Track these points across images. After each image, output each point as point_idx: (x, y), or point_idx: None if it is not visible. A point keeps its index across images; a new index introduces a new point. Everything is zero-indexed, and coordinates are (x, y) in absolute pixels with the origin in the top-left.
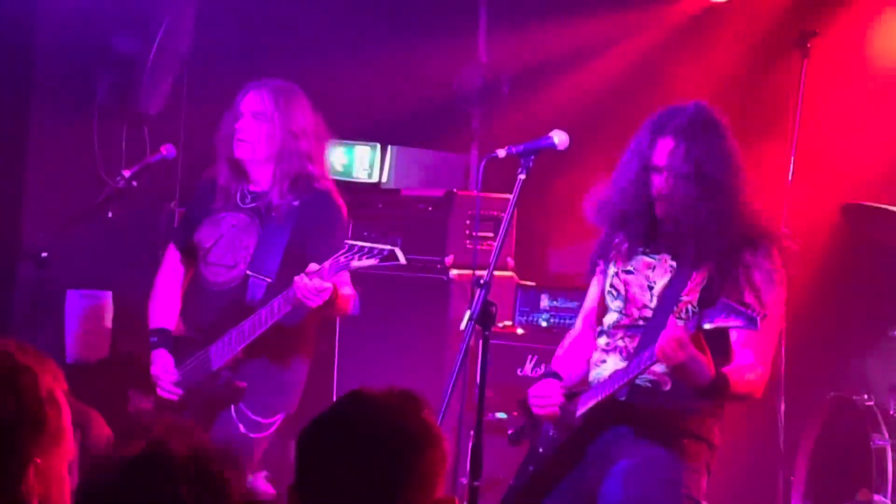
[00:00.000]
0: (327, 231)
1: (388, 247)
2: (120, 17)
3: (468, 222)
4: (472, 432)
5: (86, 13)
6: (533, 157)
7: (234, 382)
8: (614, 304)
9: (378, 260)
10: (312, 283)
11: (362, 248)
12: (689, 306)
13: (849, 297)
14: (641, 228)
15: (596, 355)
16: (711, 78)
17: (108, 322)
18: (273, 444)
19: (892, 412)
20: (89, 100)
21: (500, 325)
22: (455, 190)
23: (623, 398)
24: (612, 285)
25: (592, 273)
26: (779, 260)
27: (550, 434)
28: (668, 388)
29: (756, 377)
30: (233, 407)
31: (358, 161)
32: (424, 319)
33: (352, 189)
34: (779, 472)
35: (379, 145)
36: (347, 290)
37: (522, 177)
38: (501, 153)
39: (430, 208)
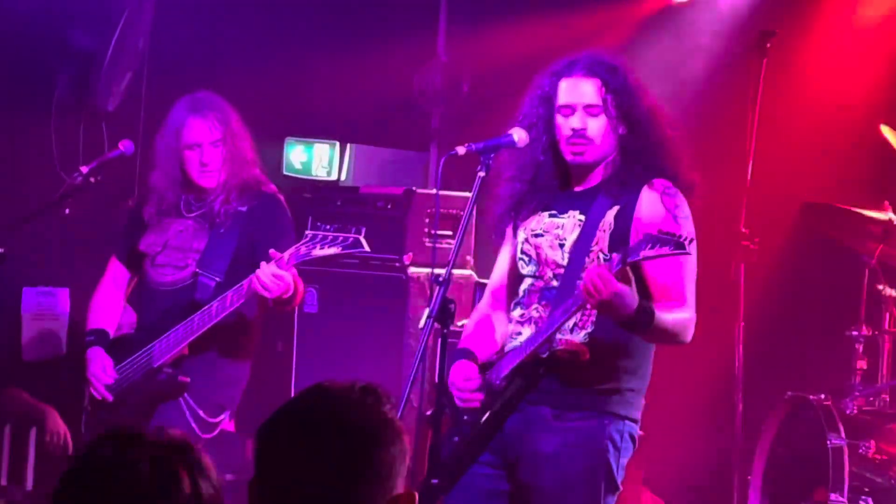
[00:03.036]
0: (278, 233)
1: (353, 235)
2: (78, 12)
3: (427, 220)
4: (430, 431)
5: (43, 8)
6: (493, 154)
7: (177, 378)
8: (527, 269)
9: (342, 248)
10: (270, 269)
11: (325, 236)
12: (601, 254)
13: (807, 297)
14: (552, 180)
15: (510, 327)
16: (672, 78)
17: (65, 319)
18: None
19: (848, 412)
20: (47, 95)
21: (459, 323)
22: (414, 188)
23: (545, 355)
24: (523, 251)
25: (501, 238)
26: (685, 199)
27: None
28: (586, 357)
29: (683, 317)
30: (185, 407)
31: (317, 159)
32: (383, 317)
33: (311, 187)
34: (735, 471)
35: (338, 143)
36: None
37: (482, 174)
38: (461, 150)
39: (388, 206)
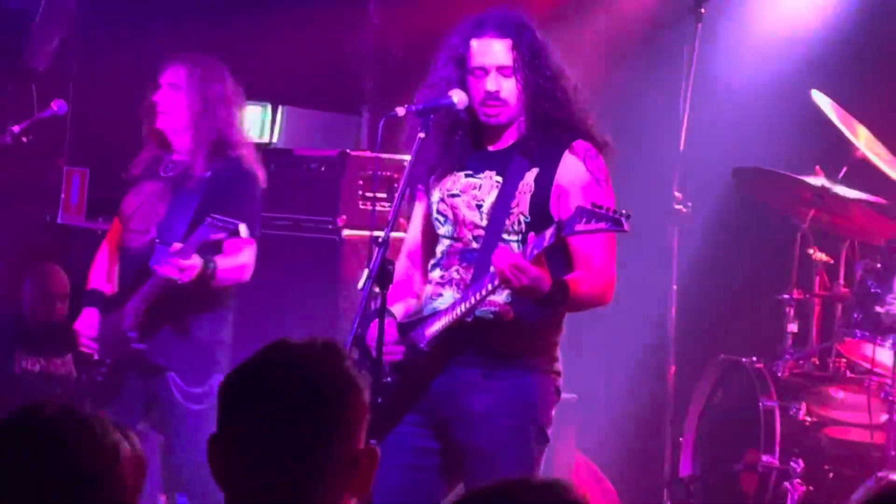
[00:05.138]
0: (238, 199)
1: (234, 221)
2: None
3: (361, 183)
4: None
5: None
6: (432, 115)
7: (131, 345)
8: (444, 230)
9: (226, 234)
10: (173, 263)
11: (215, 219)
12: (521, 216)
13: (739, 261)
14: (465, 140)
15: (430, 289)
16: (606, 44)
17: None
18: None
19: (780, 374)
20: None
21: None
22: (348, 150)
23: (470, 319)
24: (438, 211)
25: (412, 200)
26: (603, 158)
27: (393, 367)
28: (511, 318)
29: (600, 284)
30: (171, 382)
31: (249, 121)
32: (317, 280)
33: None
34: (668, 434)
35: (270, 105)
36: (243, 257)
37: (422, 136)
38: (401, 111)
39: (322, 168)
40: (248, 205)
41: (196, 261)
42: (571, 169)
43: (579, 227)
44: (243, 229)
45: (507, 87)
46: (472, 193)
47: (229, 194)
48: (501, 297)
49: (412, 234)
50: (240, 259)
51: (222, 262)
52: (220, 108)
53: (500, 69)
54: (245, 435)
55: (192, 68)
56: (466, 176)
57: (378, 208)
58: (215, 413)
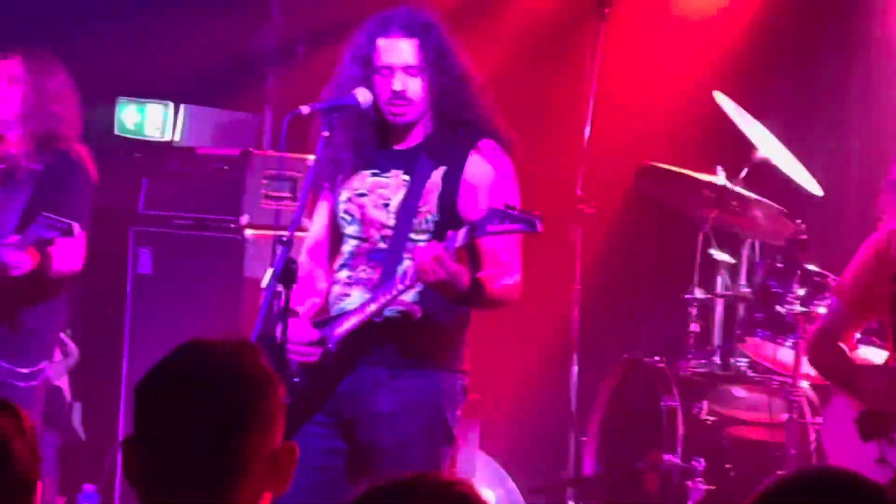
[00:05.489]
0: (69, 195)
1: (67, 221)
2: None
3: (264, 182)
4: None
5: None
6: (336, 114)
7: None
8: (350, 230)
9: (59, 233)
10: (7, 256)
11: (48, 218)
12: (429, 216)
13: (642, 260)
14: (371, 139)
15: (337, 289)
16: (511, 43)
17: None
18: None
19: (682, 374)
20: None
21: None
22: (251, 149)
23: (379, 320)
24: (345, 211)
25: (316, 198)
26: (509, 157)
27: (300, 367)
28: (418, 317)
29: (512, 282)
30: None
31: (150, 119)
32: (219, 279)
33: (144, 148)
34: (571, 433)
35: (171, 104)
36: (74, 249)
37: (326, 134)
38: (305, 110)
39: (225, 167)
40: (79, 201)
41: (31, 255)
42: (478, 168)
43: (492, 228)
44: (75, 228)
45: (414, 87)
46: (380, 193)
47: (61, 190)
48: (409, 296)
49: (315, 232)
50: (72, 252)
51: (56, 255)
52: (54, 103)
53: (407, 69)
54: (162, 435)
55: (28, 59)
56: (373, 175)
57: (281, 207)
58: (42, 393)
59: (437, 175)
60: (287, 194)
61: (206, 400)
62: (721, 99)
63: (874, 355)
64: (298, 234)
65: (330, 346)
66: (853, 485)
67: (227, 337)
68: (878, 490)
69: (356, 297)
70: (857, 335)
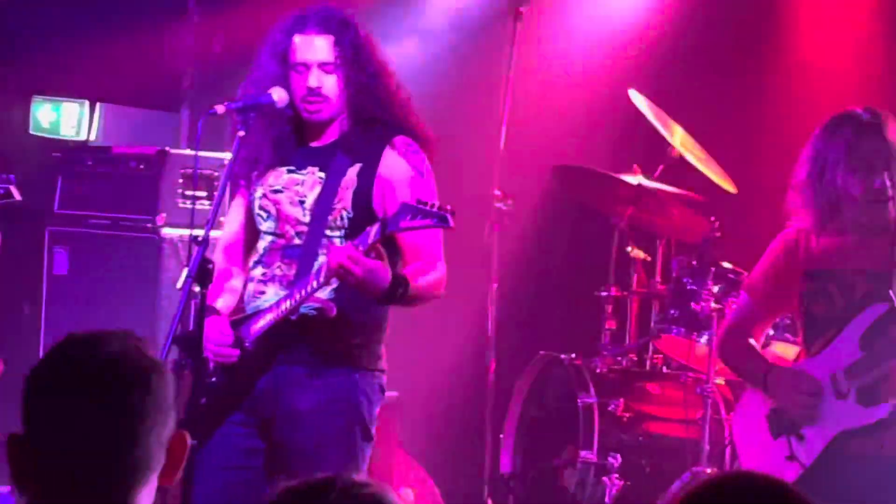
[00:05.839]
0: None
1: (3, 185)
2: None
3: (181, 181)
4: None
5: None
6: (252, 113)
7: None
8: (266, 226)
9: None
10: None
11: None
12: (344, 212)
13: (559, 258)
14: (288, 136)
15: (252, 287)
16: (427, 42)
17: None
18: None
19: (598, 371)
20: None
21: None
22: (167, 148)
23: (295, 317)
24: (261, 207)
25: (232, 196)
26: (425, 154)
27: (217, 366)
28: (334, 314)
29: (436, 277)
30: None
31: (66, 118)
32: (136, 279)
33: (60, 147)
34: (488, 431)
35: (87, 102)
36: None
37: (242, 134)
38: (220, 109)
39: (141, 166)
40: None
41: None
42: (393, 164)
43: (404, 224)
44: (14, 190)
45: (329, 84)
46: (295, 189)
47: None
48: (325, 293)
49: (230, 229)
50: None
51: None
52: None
53: (322, 65)
54: (50, 430)
55: None
56: (289, 172)
57: (198, 207)
58: None
59: (353, 172)
60: (204, 193)
61: (92, 392)
62: (636, 97)
63: (786, 351)
64: (214, 233)
65: (246, 344)
66: (765, 491)
67: (109, 329)
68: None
69: (271, 294)
70: (770, 331)
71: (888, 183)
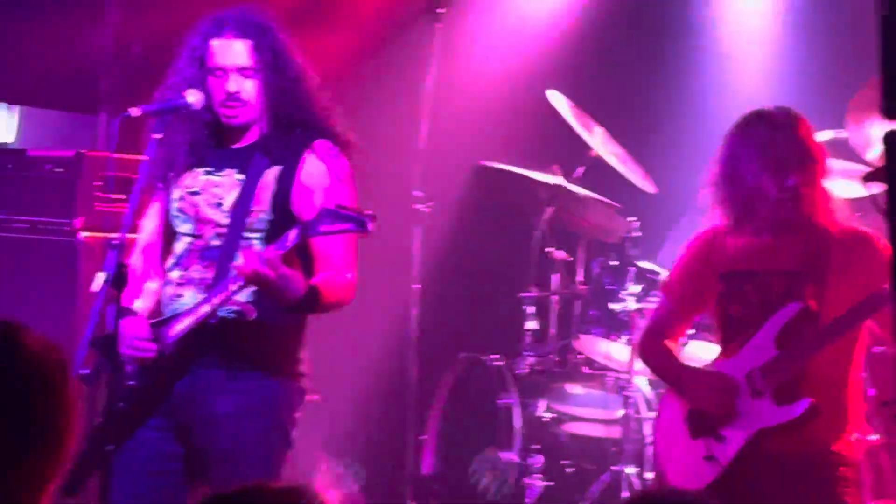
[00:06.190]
0: None
1: None
2: None
3: (98, 184)
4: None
5: None
6: (169, 116)
7: None
8: (184, 228)
9: None
10: None
11: None
12: (262, 215)
13: (480, 259)
14: (206, 138)
15: (170, 290)
16: (346, 44)
17: None
18: None
19: (520, 371)
20: None
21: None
22: (85, 151)
23: (215, 321)
24: (178, 209)
25: (149, 199)
26: (345, 158)
27: (135, 370)
28: (253, 317)
29: (346, 283)
30: None
31: None
32: (53, 283)
33: None
34: (410, 432)
35: (5, 105)
36: None
37: (158, 136)
38: (135, 112)
39: (58, 169)
40: None
41: None
42: (313, 168)
43: (323, 228)
44: None
45: (248, 88)
46: (213, 192)
47: None
48: (244, 297)
49: (148, 231)
50: None
51: None
52: None
53: (241, 70)
54: None
55: None
56: (206, 173)
57: (115, 210)
58: None
59: (272, 175)
60: (122, 196)
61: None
62: (555, 97)
63: (705, 350)
64: (131, 236)
65: (164, 347)
66: None
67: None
68: None
69: (189, 297)
70: (690, 330)
71: (799, 181)
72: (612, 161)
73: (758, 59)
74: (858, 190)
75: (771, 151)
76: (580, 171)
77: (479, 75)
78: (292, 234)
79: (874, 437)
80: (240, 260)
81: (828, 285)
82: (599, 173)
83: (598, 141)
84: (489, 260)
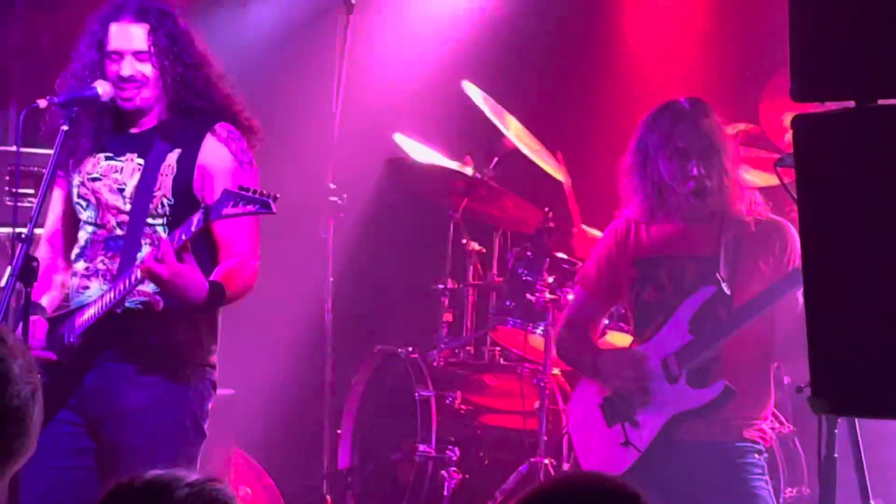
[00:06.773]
0: None
1: None
2: None
3: (7, 178)
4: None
5: None
6: (77, 108)
7: None
8: (86, 215)
9: None
10: None
11: None
12: (164, 199)
13: (395, 251)
14: (105, 123)
15: (76, 282)
16: (259, 36)
17: None
18: None
19: (435, 364)
20: None
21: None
22: None
23: (120, 311)
24: (80, 196)
25: (51, 184)
26: (245, 142)
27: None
28: (160, 308)
29: (249, 271)
30: None
31: None
32: None
33: None
34: (326, 426)
35: None
36: None
37: (65, 128)
38: (42, 104)
39: None
40: None
41: None
42: (214, 151)
43: (227, 211)
44: None
45: (143, 72)
46: (114, 177)
47: None
48: (150, 287)
49: (52, 219)
50: None
51: None
52: None
53: (136, 54)
54: None
55: None
56: (107, 159)
57: (23, 204)
58: None
59: (172, 158)
60: (30, 190)
61: None
62: (470, 89)
63: (621, 340)
64: (38, 230)
65: (72, 340)
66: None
67: None
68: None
69: (95, 289)
70: (605, 321)
71: (703, 171)
72: (527, 151)
73: (674, 50)
74: (774, 179)
75: (673, 141)
76: (494, 162)
77: (393, 66)
78: (196, 219)
79: (788, 424)
80: (146, 249)
81: (741, 270)
82: (514, 164)
83: (513, 133)
84: (404, 252)
